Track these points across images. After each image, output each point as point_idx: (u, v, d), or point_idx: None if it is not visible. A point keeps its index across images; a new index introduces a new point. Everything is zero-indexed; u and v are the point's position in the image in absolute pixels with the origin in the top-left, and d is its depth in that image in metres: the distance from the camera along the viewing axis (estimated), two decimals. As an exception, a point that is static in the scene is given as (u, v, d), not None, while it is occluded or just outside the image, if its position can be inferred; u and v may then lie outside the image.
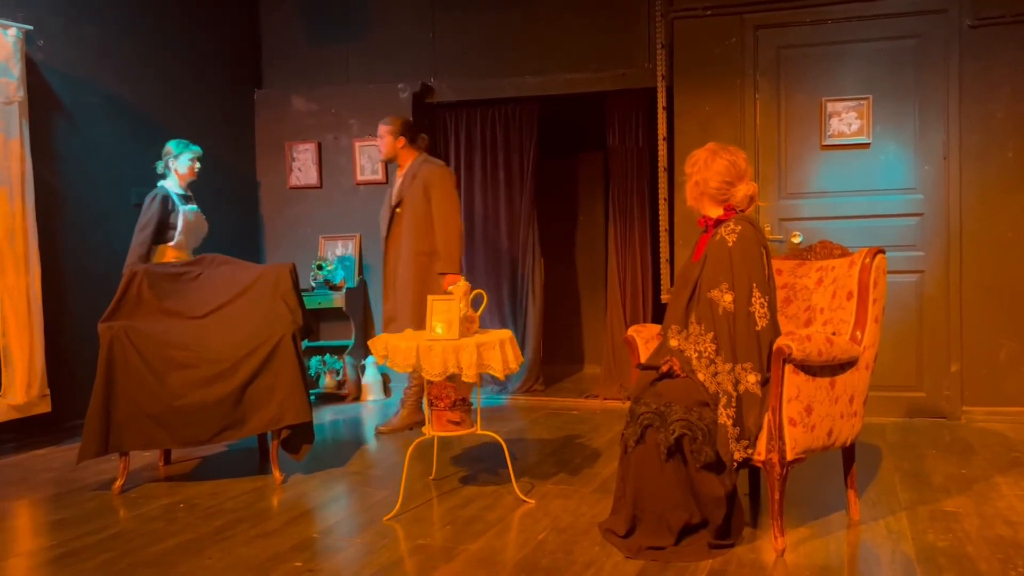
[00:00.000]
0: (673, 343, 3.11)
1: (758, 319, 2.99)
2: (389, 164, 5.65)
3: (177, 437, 4.01)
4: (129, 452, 4.05)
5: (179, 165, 5.05)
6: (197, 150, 5.12)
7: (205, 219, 5.25)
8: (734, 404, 2.93)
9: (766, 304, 3.02)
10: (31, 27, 5.04)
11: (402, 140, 5.13)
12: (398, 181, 5.22)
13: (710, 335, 3.02)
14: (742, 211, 3.18)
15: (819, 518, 3.37)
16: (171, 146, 5.07)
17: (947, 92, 5.19)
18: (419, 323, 4.89)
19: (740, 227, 3.08)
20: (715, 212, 3.19)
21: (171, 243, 4.99)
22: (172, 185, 5.06)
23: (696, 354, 3.03)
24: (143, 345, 4.00)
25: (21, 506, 3.89)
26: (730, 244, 3.05)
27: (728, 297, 3.01)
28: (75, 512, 3.74)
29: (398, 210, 5.14)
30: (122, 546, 3.27)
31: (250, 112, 6.93)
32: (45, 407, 5.04)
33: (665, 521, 2.97)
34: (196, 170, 5.12)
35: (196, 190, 5.22)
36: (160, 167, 5.09)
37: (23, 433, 5.03)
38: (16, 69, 4.88)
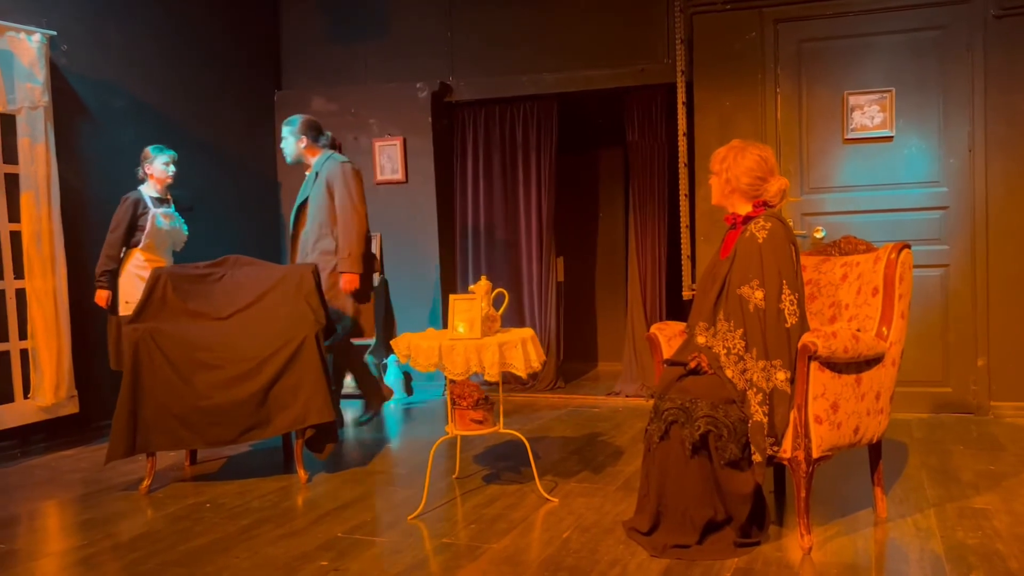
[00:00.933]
0: (700, 340, 3.10)
1: (788, 316, 2.98)
2: (295, 166, 5.37)
3: (203, 437, 4.04)
4: (156, 452, 4.10)
5: (154, 169, 5.15)
6: (172, 153, 5.20)
7: (183, 224, 5.31)
8: (769, 401, 2.92)
9: (796, 301, 3.00)
10: (55, 32, 5.10)
11: (303, 140, 5.00)
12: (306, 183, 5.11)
13: (739, 331, 3.00)
14: (772, 207, 3.16)
15: (846, 516, 3.34)
16: (149, 150, 5.18)
17: (972, 84, 5.12)
18: None
19: (770, 223, 3.06)
20: (744, 209, 3.17)
21: (139, 246, 5.08)
22: (148, 189, 5.17)
23: (724, 351, 3.01)
24: (169, 346, 4.04)
25: (50, 506, 3.94)
26: (760, 240, 3.03)
27: (759, 294, 2.99)
28: (103, 512, 3.78)
29: (304, 210, 5.01)
30: (150, 546, 3.30)
31: (270, 113, 6.97)
32: (73, 408, 5.11)
33: (689, 517, 2.96)
34: (171, 173, 5.20)
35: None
36: (139, 172, 5.20)
37: (52, 434, 5.09)
38: (41, 74, 4.93)
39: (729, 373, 2.99)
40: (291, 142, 5.04)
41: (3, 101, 4.75)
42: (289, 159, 5.13)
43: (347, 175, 4.90)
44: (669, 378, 3.16)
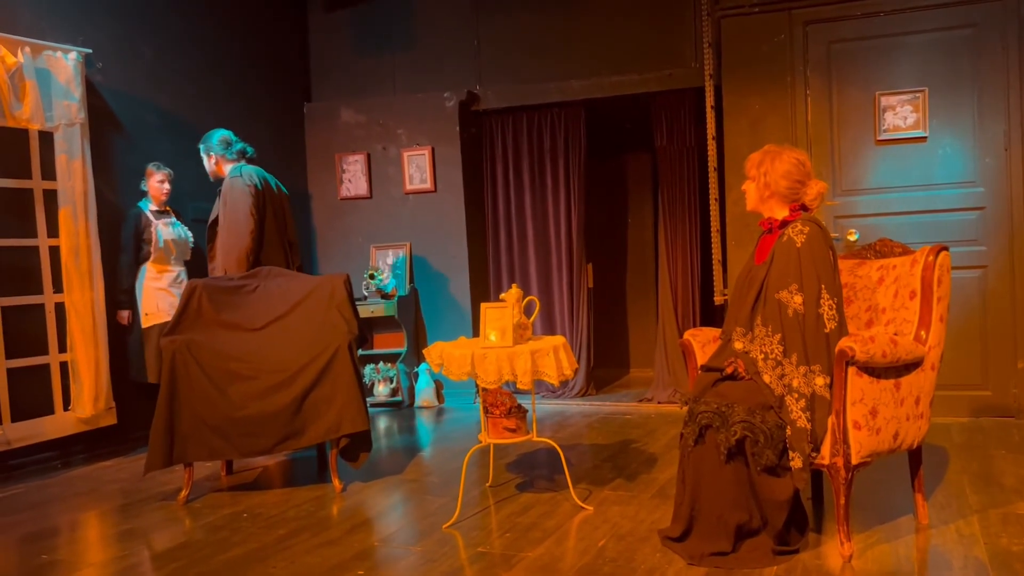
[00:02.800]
0: (738, 345, 3.08)
1: (827, 321, 2.95)
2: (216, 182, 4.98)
3: (238, 447, 4.08)
4: (193, 463, 4.14)
5: (151, 186, 5.34)
6: (167, 171, 5.37)
7: (184, 234, 5.44)
8: (812, 407, 2.89)
9: (835, 306, 2.97)
10: (90, 50, 5.20)
11: (213, 156, 4.79)
12: None
13: (777, 336, 2.97)
14: (809, 210, 3.14)
15: (886, 522, 3.29)
16: (149, 167, 5.36)
17: (1007, 82, 5.04)
18: None
19: (808, 228, 3.04)
20: (781, 213, 3.15)
21: (149, 260, 5.27)
22: (149, 203, 5.35)
23: (762, 356, 2.99)
24: (204, 358, 4.09)
25: (91, 517, 4.00)
26: (799, 245, 3.01)
27: (798, 299, 2.97)
28: (143, 522, 3.83)
29: (215, 230, 4.76)
30: (189, 555, 3.34)
31: (300, 125, 7.04)
32: (111, 419, 5.18)
33: (723, 523, 2.93)
34: (166, 191, 5.36)
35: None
36: (143, 186, 5.38)
37: (91, 445, 5.17)
38: (77, 92, 5.02)
39: (766, 378, 2.96)
40: (205, 160, 4.85)
41: (41, 119, 4.84)
42: (212, 178, 4.91)
43: (233, 189, 4.61)
44: (704, 383, 3.14)
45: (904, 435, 3.07)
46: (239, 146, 4.85)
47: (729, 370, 3.05)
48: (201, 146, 4.86)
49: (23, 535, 3.71)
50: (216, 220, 4.76)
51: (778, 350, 2.97)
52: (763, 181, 3.13)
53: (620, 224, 7.73)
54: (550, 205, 6.60)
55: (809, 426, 2.88)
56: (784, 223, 3.12)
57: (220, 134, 4.84)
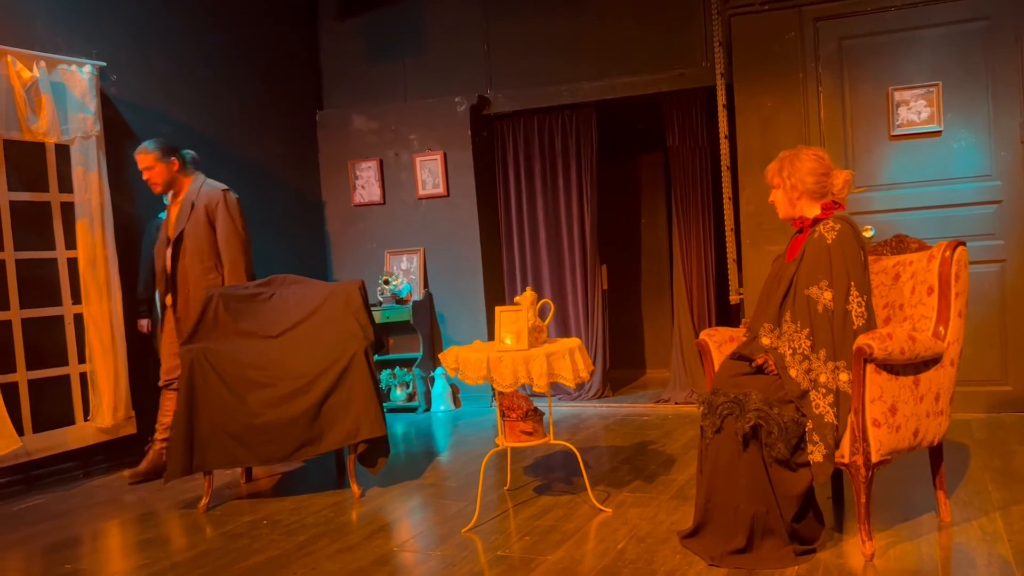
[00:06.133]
0: (765, 341, 3.08)
1: (855, 318, 2.94)
2: (165, 195, 4.86)
3: (257, 454, 4.10)
4: (212, 471, 4.16)
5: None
6: None
7: None
8: (839, 403, 2.89)
9: (864, 303, 2.96)
10: (104, 63, 5.24)
11: (176, 163, 4.65)
12: (174, 211, 4.73)
13: (806, 331, 2.98)
14: (839, 204, 3.15)
15: (908, 521, 3.27)
16: None
17: (1021, 74, 4.99)
18: None
19: (839, 225, 3.05)
20: (813, 211, 3.16)
21: None
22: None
23: (790, 351, 2.99)
24: (222, 366, 4.11)
25: (112, 526, 4.03)
26: (829, 241, 3.01)
27: (828, 295, 2.97)
28: (164, 531, 3.85)
29: (181, 245, 4.65)
30: (211, 563, 3.35)
31: (313, 133, 7.08)
32: (131, 429, 5.22)
33: (739, 514, 2.92)
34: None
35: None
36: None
37: (111, 455, 5.21)
38: (92, 104, 5.07)
39: (793, 372, 2.96)
40: (161, 168, 4.64)
41: (57, 132, 4.89)
42: (161, 188, 4.70)
43: (230, 205, 4.62)
44: (725, 375, 3.15)
45: (924, 432, 3.05)
46: (190, 152, 4.84)
47: (759, 361, 3.05)
48: (149, 155, 4.63)
49: (46, 545, 3.75)
50: (182, 235, 4.62)
51: (806, 344, 2.96)
52: (789, 184, 3.14)
53: (634, 225, 7.71)
54: (563, 207, 6.60)
55: (836, 421, 2.88)
56: (816, 221, 3.13)
57: (163, 141, 4.70)
